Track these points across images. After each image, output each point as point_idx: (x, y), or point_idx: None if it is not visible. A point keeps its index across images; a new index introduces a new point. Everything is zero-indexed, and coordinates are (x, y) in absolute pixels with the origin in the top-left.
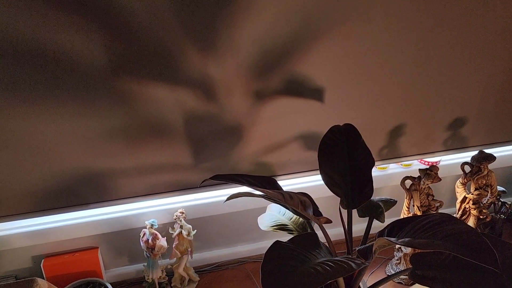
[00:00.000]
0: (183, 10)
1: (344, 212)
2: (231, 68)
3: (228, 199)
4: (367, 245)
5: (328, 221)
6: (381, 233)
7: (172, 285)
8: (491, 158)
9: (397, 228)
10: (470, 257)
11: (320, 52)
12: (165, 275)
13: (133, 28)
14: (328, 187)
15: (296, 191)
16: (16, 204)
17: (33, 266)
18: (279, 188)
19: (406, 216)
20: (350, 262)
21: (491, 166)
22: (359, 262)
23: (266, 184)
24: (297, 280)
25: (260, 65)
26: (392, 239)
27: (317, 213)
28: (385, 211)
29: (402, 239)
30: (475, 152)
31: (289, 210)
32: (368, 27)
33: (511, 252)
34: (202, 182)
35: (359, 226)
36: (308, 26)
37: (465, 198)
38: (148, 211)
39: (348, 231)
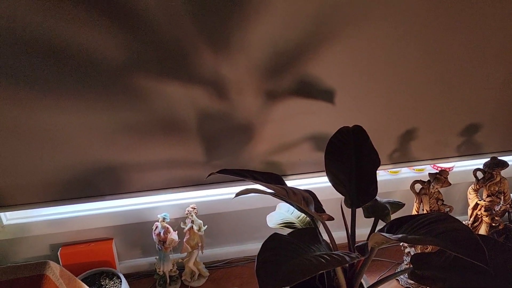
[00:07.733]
0: (197, 11)
1: (349, 213)
2: (243, 68)
3: (237, 195)
4: (364, 242)
5: (330, 218)
6: (380, 231)
7: (182, 278)
8: (504, 164)
9: (396, 226)
10: (460, 253)
11: (331, 54)
12: (176, 268)
13: (150, 28)
14: (333, 186)
15: None
16: (37, 193)
17: (51, 254)
18: (283, 184)
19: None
20: (344, 256)
21: (506, 174)
22: (353, 256)
23: (271, 180)
24: (291, 269)
25: (271, 65)
26: (387, 234)
27: (320, 210)
28: (392, 213)
29: (396, 235)
30: (489, 159)
31: (294, 207)
32: (380, 29)
33: (510, 255)
34: (209, 175)
35: (365, 230)
36: (320, 28)
37: (477, 204)
38: (161, 205)
39: (351, 231)
